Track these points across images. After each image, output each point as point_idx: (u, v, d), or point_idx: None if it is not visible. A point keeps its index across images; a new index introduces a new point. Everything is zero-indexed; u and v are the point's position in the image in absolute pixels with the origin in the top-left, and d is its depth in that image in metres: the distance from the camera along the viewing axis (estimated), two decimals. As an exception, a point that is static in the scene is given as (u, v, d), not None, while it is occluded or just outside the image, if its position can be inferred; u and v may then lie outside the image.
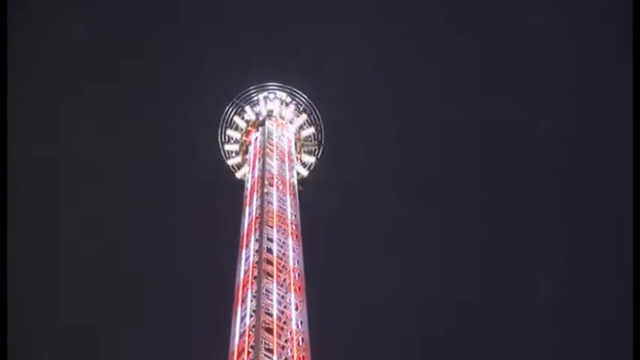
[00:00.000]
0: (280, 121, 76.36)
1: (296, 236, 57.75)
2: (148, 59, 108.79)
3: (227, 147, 77.22)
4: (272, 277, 51.53)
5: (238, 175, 75.47)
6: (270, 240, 55.30)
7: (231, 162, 76.83)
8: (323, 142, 77.59)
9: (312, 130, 77.64)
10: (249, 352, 45.16)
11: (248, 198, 63.40)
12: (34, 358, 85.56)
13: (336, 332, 75.90)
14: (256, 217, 58.21)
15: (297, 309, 50.10)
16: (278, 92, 78.53)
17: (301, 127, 77.39)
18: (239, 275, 53.05)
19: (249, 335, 46.47)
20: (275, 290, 50.50)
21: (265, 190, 62.06)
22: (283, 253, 54.30)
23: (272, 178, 64.90)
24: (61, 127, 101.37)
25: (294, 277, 52.89)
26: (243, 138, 76.47)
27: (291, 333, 47.65)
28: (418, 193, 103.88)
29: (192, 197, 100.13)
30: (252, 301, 48.88)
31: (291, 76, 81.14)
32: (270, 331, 46.77)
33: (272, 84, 79.10)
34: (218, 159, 77.44)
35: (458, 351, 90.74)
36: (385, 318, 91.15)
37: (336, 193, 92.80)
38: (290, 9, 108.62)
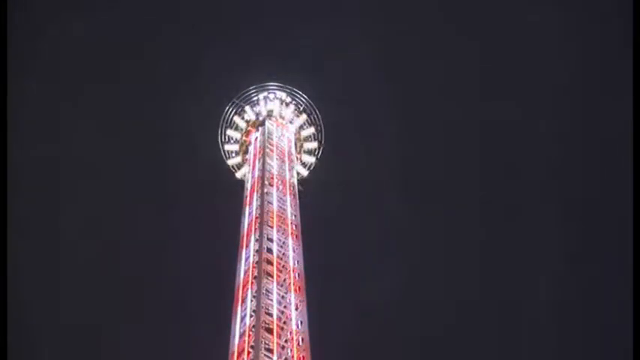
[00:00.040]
0: (280, 121, 76.38)
1: (296, 236, 57.77)
2: (147, 59, 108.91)
3: (227, 147, 77.23)
4: (272, 277, 51.54)
5: (238, 175, 75.49)
6: (270, 240, 55.31)
7: (231, 162, 76.84)
8: (323, 141, 77.69)
9: (312, 130, 77.71)
10: (249, 352, 45.18)
11: (248, 198, 63.38)
12: (34, 358, 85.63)
13: (336, 332, 75.96)
14: (256, 217, 58.23)
15: (297, 309, 50.11)
16: (278, 92, 78.57)
17: (301, 127, 77.45)
18: (239, 275, 53.06)
19: (249, 335, 46.48)
20: (275, 290, 50.50)
21: (265, 190, 62.03)
22: (283, 253, 54.35)
23: (272, 178, 64.89)
24: (61, 127, 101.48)
25: (294, 277, 52.92)
26: (243, 138, 76.50)
27: (291, 333, 47.66)
28: (418, 193, 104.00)
29: (192, 197, 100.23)
30: (252, 301, 48.91)
31: (291, 76, 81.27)
32: (270, 331, 46.78)
33: (272, 84, 79.14)
34: (218, 159, 77.53)
35: (458, 351, 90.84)
36: (385, 318, 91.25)
37: (336, 193, 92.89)
38: (290, 9, 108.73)
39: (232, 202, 68.57)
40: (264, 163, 66.04)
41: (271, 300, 49.31)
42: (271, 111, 76.83)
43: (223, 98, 79.04)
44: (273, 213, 58.44)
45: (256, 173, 66.07)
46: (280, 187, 64.19)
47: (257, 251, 53.39)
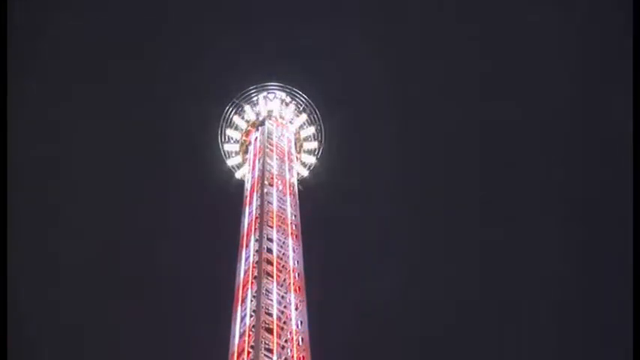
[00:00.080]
0: (280, 121, 76.41)
1: (296, 236, 57.73)
2: (147, 59, 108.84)
3: (227, 147, 77.28)
4: (272, 277, 51.57)
5: (238, 175, 75.54)
6: (270, 240, 55.29)
7: (231, 162, 76.89)
8: (323, 141, 77.74)
9: (312, 129, 77.76)
10: (249, 352, 45.18)
11: (248, 198, 63.31)
12: (34, 358, 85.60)
13: (336, 332, 75.92)
14: (256, 217, 58.16)
15: (297, 309, 50.15)
16: (278, 92, 78.62)
17: (301, 127, 77.49)
18: (239, 275, 53.03)
19: (249, 335, 46.50)
20: (275, 290, 50.53)
21: (265, 190, 61.93)
22: (283, 253, 54.33)
23: (272, 177, 64.85)
24: (61, 127, 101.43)
25: (294, 277, 52.92)
26: (243, 138, 76.55)
27: (291, 333, 47.68)
28: (418, 192, 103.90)
29: (192, 197, 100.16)
30: (252, 301, 48.90)
31: (291, 76, 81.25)
32: (270, 331, 46.80)
33: (272, 84, 79.18)
34: (218, 159, 77.54)
35: (458, 351, 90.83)
36: (385, 318, 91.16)
37: (336, 193, 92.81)
38: (290, 9, 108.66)
39: (232, 202, 68.67)
40: (264, 163, 65.98)
41: (271, 300, 49.36)
42: (271, 111, 76.87)
43: (223, 98, 79.17)
44: (273, 213, 58.42)
45: (256, 173, 65.98)
46: (280, 186, 64.14)
47: (257, 251, 53.40)
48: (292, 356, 45.93)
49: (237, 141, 77.08)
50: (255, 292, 48.61)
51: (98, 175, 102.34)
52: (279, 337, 46.87)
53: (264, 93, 78.44)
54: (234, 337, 47.40)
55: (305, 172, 76.42)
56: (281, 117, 76.93)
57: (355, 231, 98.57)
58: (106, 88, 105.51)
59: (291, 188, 65.10)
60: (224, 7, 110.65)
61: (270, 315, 47.64)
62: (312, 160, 77.28)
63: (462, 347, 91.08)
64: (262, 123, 75.31)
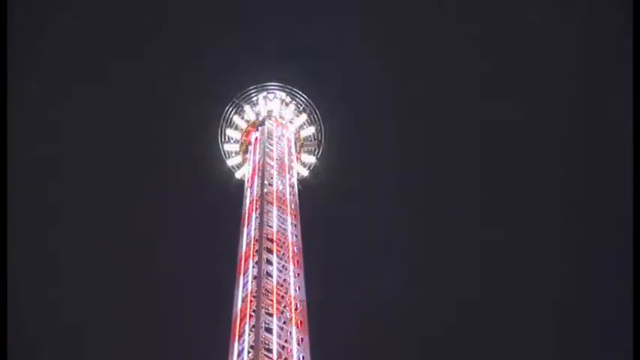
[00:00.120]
0: (280, 120, 76.42)
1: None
2: (147, 59, 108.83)
3: (227, 147, 77.31)
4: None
5: (238, 175, 75.56)
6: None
7: (231, 162, 76.92)
8: (323, 141, 77.75)
9: (312, 129, 77.78)
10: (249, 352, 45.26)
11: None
12: (34, 358, 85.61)
13: (336, 332, 75.90)
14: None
15: (296, 309, 50.10)
16: (278, 92, 78.64)
17: (301, 127, 77.51)
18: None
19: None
20: (275, 290, 50.56)
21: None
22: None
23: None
24: (61, 127, 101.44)
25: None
26: (243, 138, 76.57)
27: (290, 333, 47.68)
28: (418, 193, 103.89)
29: (192, 197, 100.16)
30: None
31: (291, 76, 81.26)
32: (269, 331, 46.83)
33: (272, 84, 79.19)
34: (218, 159, 77.57)
35: (458, 351, 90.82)
36: (385, 318, 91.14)
37: (335, 193, 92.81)
38: (290, 9, 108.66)
39: (232, 202, 68.65)
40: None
41: (271, 301, 49.39)
42: (271, 111, 76.87)
43: (223, 98, 79.18)
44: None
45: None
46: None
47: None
48: (292, 356, 45.88)
49: (237, 141, 77.11)
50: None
51: (98, 175, 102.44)
52: (279, 337, 46.91)
53: (264, 93, 78.47)
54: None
55: (305, 172, 76.43)
56: (281, 117, 76.94)
57: (355, 231, 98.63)
58: (106, 88, 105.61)
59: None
60: (224, 7, 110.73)
61: (270, 315, 47.42)
62: (312, 159, 77.28)
63: (462, 347, 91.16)
64: (262, 123, 75.32)
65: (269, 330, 46.85)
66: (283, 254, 55.07)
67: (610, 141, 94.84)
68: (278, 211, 60.71)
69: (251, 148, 74.45)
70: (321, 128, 77.81)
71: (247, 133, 76.50)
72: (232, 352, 46.21)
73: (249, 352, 45.06)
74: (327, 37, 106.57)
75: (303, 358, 46.12)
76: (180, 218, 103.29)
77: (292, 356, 45.83)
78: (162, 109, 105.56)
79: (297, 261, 55.21)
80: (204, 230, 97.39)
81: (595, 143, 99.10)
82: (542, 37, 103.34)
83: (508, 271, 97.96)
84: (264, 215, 58.61)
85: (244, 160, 75.54)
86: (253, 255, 53.98)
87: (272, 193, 62.89)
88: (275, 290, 50.49)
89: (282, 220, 59.61)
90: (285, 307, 49.49)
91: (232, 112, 77.68)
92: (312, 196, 72.82)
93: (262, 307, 47.98)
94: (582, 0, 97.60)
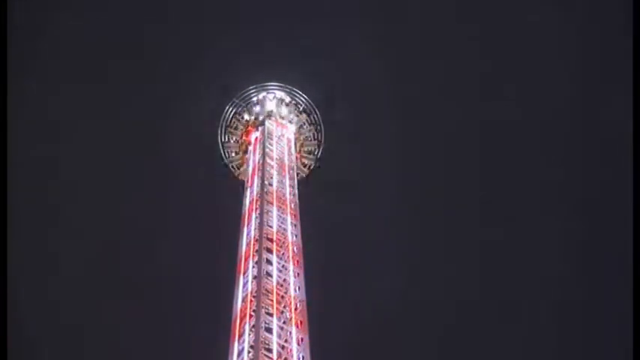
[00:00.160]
0: (280, 121, 76.43)
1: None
2: (147, 59, 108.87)
3: (227, 147, 77.31)
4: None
5: (238, 174, 75.57)
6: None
7: (230, 162, 76.90)
8: (323, 141, 77.79)
9: (312, 129, 77.78)
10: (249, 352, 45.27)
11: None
12: (34, 358, 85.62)
13: (336, 332, 75.90)
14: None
15: (296, 309, 50.08)
16: (278, 92, 78.65)
17: (301, 127, 77.52)
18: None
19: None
20: (275, 291, 50.56)
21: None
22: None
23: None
24: (61, 127, 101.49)
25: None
26: (243, 138, 76.58)
27: (290, 334, 47.68)
28: (418, 192, 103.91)
29: (192, 197, 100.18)
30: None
31: (291, 76, 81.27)
32: (269, 331, 46.84)
33: (272, 84, 79.19)
34: (218, 159, 77.59)
35: (458, 351, 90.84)
36: (385, 318, 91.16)
37: (335, 193, 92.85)
38: (290, 9, 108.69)
39: (232, 202, 68.65)
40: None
41: (271, 300, 49.41)
42: (271, 111, 76.87)
43: (223, 98, 79.19)
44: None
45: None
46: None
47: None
48: (292, 356, 45.88)
49: (237, 141, 77.12)
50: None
51: (98, 175, 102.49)
52: (279, 336, 46.89)
53: (264, 93, 78.48)
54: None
55: (305, 172, 76.42)
56: (281, 117, 76.95)
57: (355, 231, 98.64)
58: (106, 88, 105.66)
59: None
60: (224, 7, 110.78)
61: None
62: (312, 160, 77.28)
63: (462, 347, 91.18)
64: (262, 123, 75.32)
65: (269, 330, 46.81)
66: (283, 254, 55.07)
67: (610, 141, 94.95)
68: (278, 211, 60.67)
69: (251, 148, 74.45)
70: (320, 128, 77.82)
71: (247, 133, 76.51)
72: (232, 352, 46.19)
73: (249, 352, 45.03)
74: (327, 37, 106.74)
75: (303, 357, 46.09)
76: (180, 218, 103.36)
77: (292, 356, 45.81)
78: (162, 109, 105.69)
79: (297, 261, 55.20)
80: (204, 230, 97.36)
81: (595, 143, 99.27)
82: (542, 37, 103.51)
83: (508, 271, 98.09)
84: (264, 215, 58.58)
85: (244, 160, 75.53)
86: (253, 255, 54.01)
87: (272, 193, 62.86)
88: (275, 290, 50.46)
89: (282, 220, 59.57)
90: (285, 307, 49.49)
91: (232, 112, 77.70)
92: (312, 196, 72.89)
93: (262, 307, 47.93)
94: (582, 0, 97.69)
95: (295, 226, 60.07)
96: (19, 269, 76.59)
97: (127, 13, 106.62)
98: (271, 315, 47.83)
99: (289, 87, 78.93)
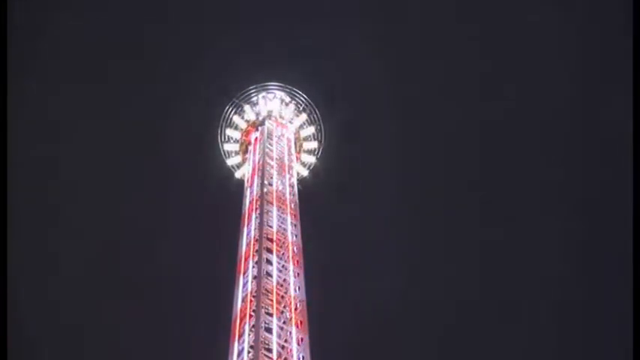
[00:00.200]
0: (280, 120, 76.45)
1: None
2: (147, 59, 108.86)
3: (227, 147, 77.35)
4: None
5: (238, 174, 75.59)
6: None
7: (230, 162, 76.95)
8: (323, 141, 77.81)
9: (312, 129, 77.81)
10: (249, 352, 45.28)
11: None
12: (34, 358, 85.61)
13: (336, 332, 75.91)
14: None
15: (296, 309, 50.10)
16: (278, 92, 78.67)
17: (301, 127, 77.54)
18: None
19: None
20: (275, 290, 50.58)
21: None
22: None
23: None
24: (61, 127, 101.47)
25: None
26: (243, 137, 76.61)
27: (290, 334, 47.70)
28: (418, 193, 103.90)
29: (192, 197, 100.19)
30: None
31: (291, 76, 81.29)
32: (269, 330, 46.86)
33: (272, 84, 79.23)
34: (218, 159, 77.60)
35: (458, 351, 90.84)
36: (385, 318, 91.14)
37: (335, 193, 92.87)
38: (290, 9, 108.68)
39: (232, 202, 68.66)
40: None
41: (271, 300, 49.42)
42: (271, 111, 76.90)
43: (223, 98, 79.22)
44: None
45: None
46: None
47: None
48: (292, 356, 45.90)
49: (237, 141, 77.14)
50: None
51: (98, 175, 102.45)
52: (279, 336, 46.89)
53: (264, 93, 78.52)
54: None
55: (305, 172, 76.46)
56: (281, 117, 76.97)
57: (355, 231, 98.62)
58: (106, 88, 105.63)
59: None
60: (224, 7, 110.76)
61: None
62: (312, 159, 77.30)
63: (462, 347, 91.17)
64: (262, 123, 75.35)
65: (269, 330, 46.85)
66: (283, 254, 55.10)
67: (610, 141, 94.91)
68: (278, 211, 60.71)
69: (251, 147, 74.47)
70: (320, 128, 77.84)
71: (247, 132, 76.53)
72: (232, 351, 46.21)
73: (249, 352, 45.07)
74: (327, 37, 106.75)
75: (303, 357, 46.12)
76: (180, 218, 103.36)
77: (292, 356, 45.84)
78: (162, 109, 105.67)
79: (297, 261, 55.22)
80: (204, 230, 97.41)
81: (595, 143, 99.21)
82: (542, 37, 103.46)
83: (508, 271, 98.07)
84: (264, 215, 58.61)
85: (244, 160, 75.56)
86: (253, 255, 54.02)
87: (272, 193, 62.88)
88: (275, 290, 50.50)
89: (282, 220, 59.60)
90: (285, 306, 49.52)
91: (232, 112, 77.73)
92: (312, 196, 72.90)
93: (262, 307, 47.99)
94: (582, 0, 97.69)
95: (295, 226, 60.12)
96: (19, 269, 76.61)
97: (127, 13, 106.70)
98: (271, 315, 47.89)
99: (289, 87, 78.99)
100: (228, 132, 77.39)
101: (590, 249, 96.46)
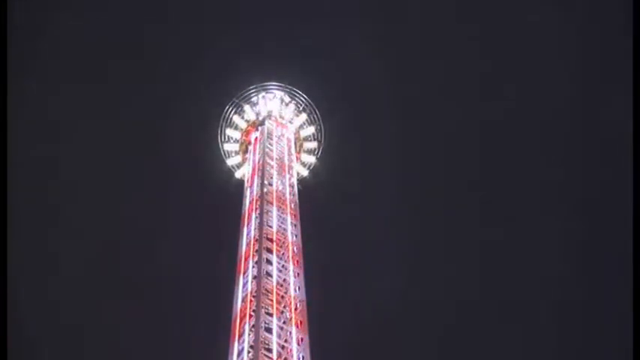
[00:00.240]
0: (280, 120, 76.46)
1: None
2: (147, 59, 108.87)
3: (227, 147, 77.36)
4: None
5: (238, 174, 75.61)
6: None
7: (230, 162, 76.96)
8: (323, 141, 77.83)
9: (311, 129, 77.82)
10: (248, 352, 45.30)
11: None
12: (34, 358, 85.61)
13: (336, 332, 75.92)
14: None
15: (296, 309, 50.10)
16: (278, 92, 78.69)
17: (301, 127, 77.55)
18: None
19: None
20: (275, 290, 50.58)
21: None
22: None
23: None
24: (61, 127, 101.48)
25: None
26: (243, 137, 76.62)
27: (290, 334, 47.70)
28: (418, 193, 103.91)
29: (192, 197, 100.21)
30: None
31: (291, 76, 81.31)
32: (269, 330, 46.87)
33: (272, 84, 79.24)
34: (218, 159, 77.61)
35: (458, 351, 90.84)
36: (385, 318, 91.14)
37: (335, 193, 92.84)
38: (290, 9, 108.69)
39: (232, 202, 68.68)
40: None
41: (271, 300, 49.43)
42: (271, 111, 76.90)
43: (223, 98, 79.24)
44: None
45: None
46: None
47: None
48: (292, 356, 45.92)
49: (237, 140, 77.16)
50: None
51: (98, 175, 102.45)
52: (279, 337, 46.91)
53: (264, 93, 78.54)
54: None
55: (305, 172, 76.48)
56: (281, 117, 76.98)
57: (355, 231, 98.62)
58: (106, 88, 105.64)
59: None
60: (224, 7, 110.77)
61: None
62: (312, 159, 77.31)
63: (462, 347, 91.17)
64: (262, 123, 75.36)
65: (269, 330, 46.86)
66: (283, 254, 55.10)
67: (610, 141, 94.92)
68: (278, 211, 60.72)
69: (251, 147, 74.48)
70: (320, 128, 77.86)
71: (247, 132, 76.54)
72: (232, 351, 46.23)
73: (249, 352, 45.09)
74: (327, 37, 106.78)
75: (303, 357, 46.14)
76: (180, 218, 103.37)
77: (292, 356, 45.85)
78: (162, 109, 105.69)
79: (297, 261, 55.23)
80: (204, 230, 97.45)
81: (595, 143, 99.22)
82: (542, 37, 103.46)
83: (508, 271, 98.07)
84: (264, 215, 58.62)
85: (244, 160, 75.58)
86: (253, 255, 54.04)
87: (272, 193, 62.90)
88: (275, 290, 50.52)
89: (282, 220, 59.61)
90: (285, 306, 49.52)
91: (232, 112, 77.74)
92: (312, 196, 72.91)
93: (262, 307, 48.00)
94: (582, 0, 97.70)
95: (295, 226, 60.13)
96: (19, 269, 76.59)
97: (127, 13, 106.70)
98: (271, 315, 47.90)
99: (289, 87, 79.01)
100: (229, 132, 77.42)
101: (590, 249, 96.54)
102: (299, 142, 76.84)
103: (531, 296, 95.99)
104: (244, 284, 51.98)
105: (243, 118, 77.48)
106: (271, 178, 65.44)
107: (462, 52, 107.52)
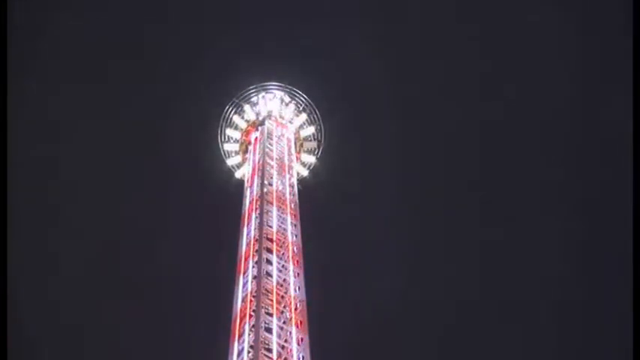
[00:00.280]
0: (280, 120, 76.46)
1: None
2: (147, 59, 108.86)
3: (227, 146, 77.36)
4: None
5: (238, 174, 75.61)
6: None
7: (230, 161, 76.97)
8: (323, 141, 77.82)
9: (311, 129, 77.82)
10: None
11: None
12: (34, 358, 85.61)
13: (336, 332, 75.91)
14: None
15: (296, 309, 50.10)
16: (278, 92, 78.70)
17: (301, 127, 77.55)
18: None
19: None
20: (275, 290, 50.58)
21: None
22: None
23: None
24: (61, 127, 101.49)
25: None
26: (243, 137, 76.62)
27: (290, 334, 47.69)
28: (418, 193, 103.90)
29: (192, 197, 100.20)
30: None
31: (291, 76, 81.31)
32: (269, 331, 46.87)
33: (272, 84, 79.24)
34: (218, 159, 77.60)
35: (458, 351, 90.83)
36: (385, 318, 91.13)
37: (335, 193, 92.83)
38: (290, 9, 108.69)
39: (232, 202, 68.68)
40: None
41: (271, 300, 49.43)
42: (271, 111, 76.91)
43: (223, 98, 79.25)
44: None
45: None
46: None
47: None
48: (292, 356, 45.90)
49: (236, 140, 77.16)
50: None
51: (98, 175, 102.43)
52: (279, 337, 46.90)
53: (264, 93, 78.54)
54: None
55: (305, 172, 76.48)
56: (281, 117, 76.98)
57: (355, 231, 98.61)
58: (106, 88, 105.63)
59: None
60: (224, 7, 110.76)
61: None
62: (312, 159, 77.30)
63: (462, 347, 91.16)
64: (262, 123, 75.36)
65: (269, 330, 46.85)
66: (283, 254, 55.11)
67: (610, 141, 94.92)
68: (278, 210, 60.71)
69: (251, 147, 74.49)
70: (320, 128, 77.86)
71: (247, 132, 76.54)
72: (232, 351, 46.23)
73: (249, 352, 45.08)
74: (327, 37, 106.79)
75: (303, 357, 46.13)
76: (180, 218, 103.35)
77: (292, 356, 45.85)
78: (162, 109, 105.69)
79: (297, 261, 55.23)
80: (204, 230, 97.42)
81: (595, 143, 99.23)
82: (542, 37, 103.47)
83: (508, 271, 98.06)
84: (264, 215, 58.62)
85: (244, 160, 75.59)
86: (253, 255, 54.04)
87: (272, 193, 62.90)
88: (275, 290, 50.51)
89: (282, 220, 59.61)
90: (285, 306, 49.52)
91: (232, 112, 77.74)
92: (312, 196, 72.91)
93: (262, 307, 48.00)
94: (582, 0, 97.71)
95: (295, 226, 60.13)
96: (19, 269, 76.55)
97: (127, 13, 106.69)
98: (271, 315, 47.90)
99: (289, 87, 79.01)
100: (229, 132, 77.43)
101: (590, 249, 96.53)
102: (299, 142, 76.83)
103: (531, 296, 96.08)
104: (244, 284, 52.01)
105: (243, 118, 77.50)
106: (271, 178, 65.44)
107: (462, 52, 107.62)
